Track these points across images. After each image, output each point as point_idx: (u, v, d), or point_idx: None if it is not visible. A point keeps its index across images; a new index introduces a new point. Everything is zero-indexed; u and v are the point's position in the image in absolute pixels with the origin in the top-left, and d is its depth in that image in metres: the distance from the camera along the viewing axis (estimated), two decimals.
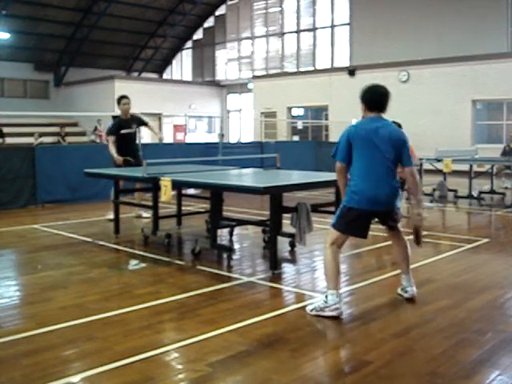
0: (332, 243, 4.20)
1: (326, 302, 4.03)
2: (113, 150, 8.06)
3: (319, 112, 23.08)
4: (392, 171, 4.23)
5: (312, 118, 23.22)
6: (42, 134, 17.50)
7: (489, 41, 18.78)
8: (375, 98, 4.28)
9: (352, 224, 4.16)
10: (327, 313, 3.99)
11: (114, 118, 8.68)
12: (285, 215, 5.76)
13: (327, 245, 4.22)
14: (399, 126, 8.75)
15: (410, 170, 4.33)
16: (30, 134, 16.70)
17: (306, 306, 4.17)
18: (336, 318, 3.97)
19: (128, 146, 8.22)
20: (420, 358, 3.32)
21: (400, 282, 4.50)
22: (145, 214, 8.35)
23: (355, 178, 4.16)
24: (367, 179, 4.12)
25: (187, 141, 23.61)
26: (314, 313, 4.03)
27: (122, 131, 8.23)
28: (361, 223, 4.19)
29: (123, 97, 8.46)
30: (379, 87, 4.33)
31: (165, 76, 31.13)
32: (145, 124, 8.70)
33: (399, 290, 4.50)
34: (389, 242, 6.73)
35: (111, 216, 7.94)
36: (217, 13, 28.90)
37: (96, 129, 21.34)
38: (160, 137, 9.53)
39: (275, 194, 5.27)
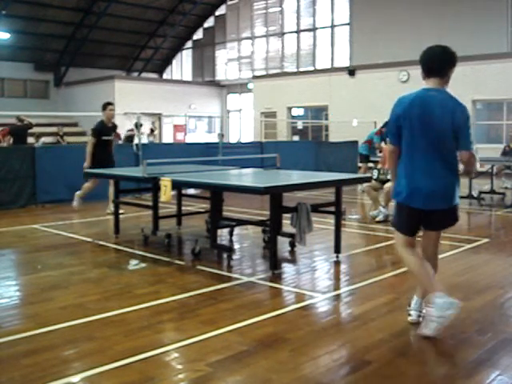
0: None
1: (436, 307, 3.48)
2: (89, 156, 8.42)
3: (319, 112, 23.09)
4: None
5: (312, 118, 23.23)
6: (41, 135, 17.47)
7: (489, 41, 18.79)
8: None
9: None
10: (450, 313, 3.46)
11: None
12: (285, 215, 5.76)
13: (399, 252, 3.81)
14: None
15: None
16: (30, 134, 16.68)
17: (420, 331, 3.58)
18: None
19: (105, 152, 8.55)
20: (420, 358, 3.32)
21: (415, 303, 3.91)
22: (109, 210, 8.56)
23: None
24: None
25: (187, 141, 23.63)
26: (440, 328, 3.47)
27: (104, 137, 8.54)
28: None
29: (110, 103, 8.85)
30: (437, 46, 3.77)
31: (165, 76, 31.13)
32: (115, 132, 9.23)
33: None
34: (389, 242, 6.74)
35: (111, 209, 8.05)
36: (217, 13, 28.91)
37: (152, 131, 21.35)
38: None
39: (275, 194, 5.27)
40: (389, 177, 8.26)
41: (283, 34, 26.31)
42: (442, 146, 3.55)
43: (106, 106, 8.74)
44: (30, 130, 14.15)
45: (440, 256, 6.04)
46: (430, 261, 3.80)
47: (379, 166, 8.87)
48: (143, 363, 3.22)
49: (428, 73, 3.65)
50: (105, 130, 8.63)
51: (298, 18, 25.66)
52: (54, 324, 3.82)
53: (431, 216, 3.66)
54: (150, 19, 27.27)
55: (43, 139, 17.75)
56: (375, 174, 8.50)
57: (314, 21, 25.09)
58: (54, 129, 21.91)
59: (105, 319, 3.96)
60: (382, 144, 12.07)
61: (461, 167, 3.69)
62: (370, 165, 11.34)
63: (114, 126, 8.97)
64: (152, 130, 21.42)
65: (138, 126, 12.23)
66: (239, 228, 7.34)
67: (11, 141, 13.74)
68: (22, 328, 3.79)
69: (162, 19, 27.69)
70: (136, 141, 11.73)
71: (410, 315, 3.87)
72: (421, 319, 3.77)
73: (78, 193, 8.82)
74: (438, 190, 3.58)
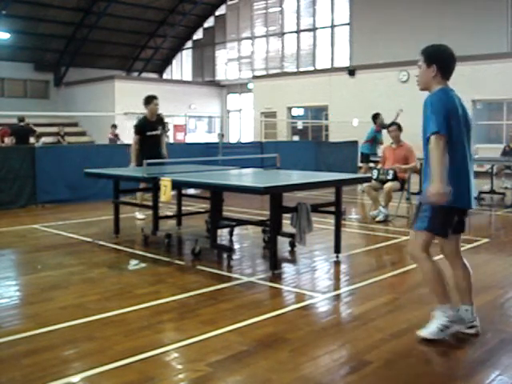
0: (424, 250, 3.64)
1: (447, 317, 3.51)
2: (133, 154, 7.95)
3: (319, 112, 23.08)
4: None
5: (312, 118, 23.23)
6: (41, 135, 17.48)
7: (489, 41, 18.78)
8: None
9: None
10: (455, 328, 3.54)
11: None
12: (285, 215, 5.76)
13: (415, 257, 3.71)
14: (399, 126, 8.79)
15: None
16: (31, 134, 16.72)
17: (419, 332, 3.57)
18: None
19: (152, 149, 7.93)
20: (420, 358, 3.32)
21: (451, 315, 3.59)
22: (139, 216, 8.25)
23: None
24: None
25: (187, 141, 23.62)
26: (439, 335, 3.50)
27: (148, 133, 8.01)
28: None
29: (154, 97, 8.15)
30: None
31: (165, 76, 31.13)
32: (164, 130, 8.44)
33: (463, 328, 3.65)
34: (389, 242, 6.75)
35: (142, 216, 7.94)
36: (217, 13, 28.90)
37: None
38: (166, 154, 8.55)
39: (275, 193, 5.27)
40: (389, 177, 8.28)
41: (283, 34, 26.31)
42: (469, 145, 3.57)
43: (151, 99, 8.09)
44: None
45: (440, 256, 6.05)
46: (459, 268, 3.81)
47: (379, 165, 8.87)
48: (143, 363, 3.22)
49: (449, 74, 3.56)
50: (148, 125, 8.08)
51: (298, 18, 25.66)
52: (54, 324, 3.82)
53: (465, 216, 3.71)
54: (149, 19, 27.27)
55: (43, 139, 17.75)
56: (375, 173, 8.50)
57: (314, 21, 25.09)
58: (54, 129, 21.92)
59: (105, 319, 3.96)
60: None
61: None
62: (371, 165, 11.32)
63: (160, 120, 8.31)
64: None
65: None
66: (239, 228, 7.34)
67: (13, 141, 13.75)
68: (22, 328, 3.79)
69: (162, 19, 27.69)
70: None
71: (471, 327, 3.63)
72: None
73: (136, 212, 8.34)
74: (473, 189, 3.59)
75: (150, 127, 8.09)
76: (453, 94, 3.53)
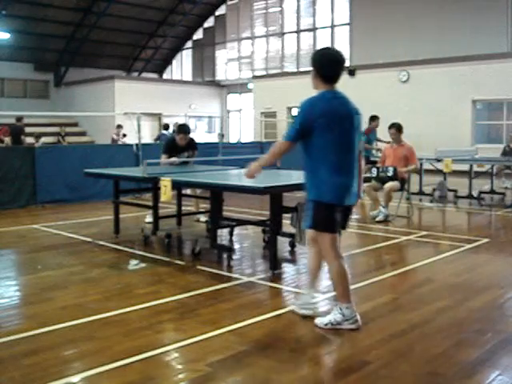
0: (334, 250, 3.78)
1: (343, 315, 3.76)
2: (167, 160, 7.58)
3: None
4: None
5: None
6: (40, 135, 17.50)
7: (489, 41, 18.77)
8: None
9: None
10: (346, 326, 3.75)
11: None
12: (285, 215, 5.76)
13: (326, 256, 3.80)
14: (399, 127, 8.78)
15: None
16: (31, 134, 16.71)
17: (315, 320, 3.87)
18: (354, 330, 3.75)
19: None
20: (420, 358, 3.32)
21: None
22: (202, 219, 8.01)
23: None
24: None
25: None
26: (329, 327, 3.76)
27: (174, 156, 7.67)
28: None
29: (180, 131, 7.78)
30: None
31: (165, 76, 31.12)
32: (193, 149, 7.98)
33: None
34: (388, 242, 6.75)
35: (150, 219, 7.83)
36: (217, 13, 28.89)
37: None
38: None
39: (275, 193, 5.27)
40: (389, 173, 8.28)
41: (283, 34, 26.30)
42: (353, 144, 3.81)
43: (178, 132, 7.77)
44: (29, 130, 14.22)
45: (440, 256, 6.07)
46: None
47: (378, 164, 8.87)
48: (143, 363, 3.22)
49: (330, 78, 3.68)
50: (177, 147, 7.72)
51: (298, 18, 25.65)
52: (54, 324, 3.82)
53: (349, 212, 4.02)
54: (149, 19, 27.26)
55: (43, 139, 17.76)
56: (374, 171, 8.49)
57: (314, 21, 25.08)
58: (54, 129, 21.92)
59: (105, 319, 3.96)
60: (379, 143, 12.05)
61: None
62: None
63: (190, 145, 7.90)
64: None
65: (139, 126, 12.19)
66: (239, 228, 7.34)
67: (10, 140, 13.81)
68: (22, 328, 3.80)
69: (162, 19, 27.68)
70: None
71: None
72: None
73: (197, 216, 8.07)
74: (355, 186, 3.88)
75: (177, 150, 7.75)
76: (331, 97, 3.65)
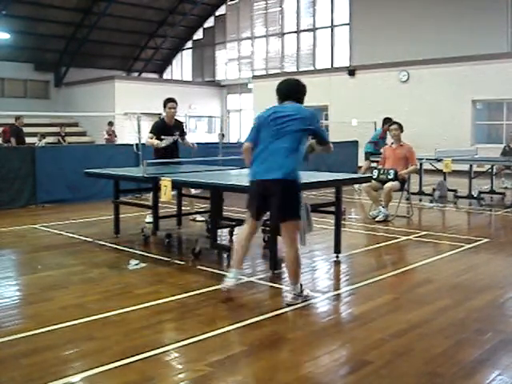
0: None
1: (304, 295, 4.36)
2: (151, 141, 7.64)
3: (319, 112, 23.07)
4: None
5: None
6: (44, 135, 17.53)
7: (489, 41, 18.77)
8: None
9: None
10: (308, 293, 4.40)
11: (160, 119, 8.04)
12: None
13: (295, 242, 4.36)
14: (400, 126, 8.78)
15: None
16: (31, 134, 16.72)
17: (286, 302, 4.34)
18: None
19: (167, 154, 7.60)
20: (420, 358, 3.32)
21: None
22: (199, 218, 8.01)
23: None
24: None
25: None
26: (301, 299, 4.30)
27: (163, 137, 7.72)
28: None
29: (169, 100, 7.83)
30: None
31: (165, 76, 31.11)
32: (182, 135, 8.09)
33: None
34: (389, 242, 6.75)
35: (150, 219, 7.82)
36: (217, 13, 28.88)
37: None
38: (193, 146, 8.37)
39: None
40: (390, 176, 8.28)
41: (283, 34, 26.30)
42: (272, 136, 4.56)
43: (166, 103, 7.78)
44: (29, 130, 14.23)
45: (440, 256, 6.07)
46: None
47: (379, 166, 8.87)
48: (143, 363, 3.22)
49: (279, 97, 4.65)
50: (165, 128, 7.76)
51: (298, 18, 25.65)
52: (54, 324, 3.82)
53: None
54: (149, 19, 27.25)
55: (45, 139, 17.77)
56: (375, 173, 8.50)
57: (314, 21, 25.07)
58: (54, 129, 21.90)
59: (105, 319, 3.96)
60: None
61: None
62: (373, 164, 11.29)
63: (178, 125, 7.98)
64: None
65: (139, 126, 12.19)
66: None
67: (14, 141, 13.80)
68: (22, 328, 3.79)
69: (162, 19, 27.67)
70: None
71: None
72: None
73: (193, 215, 8.08)
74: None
75: (166, 131, 7.78)
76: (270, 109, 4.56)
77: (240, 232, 4.57)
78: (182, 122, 8.16)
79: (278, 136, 4.32)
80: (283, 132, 4.31)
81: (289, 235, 4.30)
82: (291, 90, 4.56)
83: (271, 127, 4.38)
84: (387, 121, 11.53)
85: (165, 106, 7.81)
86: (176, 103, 7.85)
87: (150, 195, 7.92)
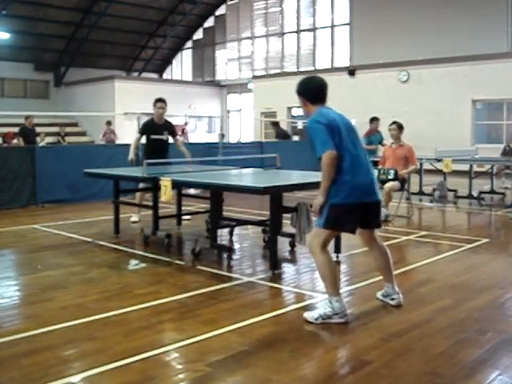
0: (323, 245, 3.95)
1: (332, 308, 3.86)
2: (132, 147, 7.94)
3: None
4: None
5: None
6: (46, 135, 17.55)
7: (489, 41, 18.77)
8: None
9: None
10: (336, 320, 3.84)
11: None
12: (285, 215, 5.76)
13: (319, 249, 3.93)
14: (399, 126, 8.78)
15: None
16: (37, 134, 16.76)
17: (303, 313, 3.97)
18: (343, 324, 3.85)
19: (157, 154, 7.54)
20: (420, 358, 3.32)
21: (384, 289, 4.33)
22: (133, 218, 7.98)
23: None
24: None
25: (187, 141, 23.54)
26: (319, 321, 3.83)
27: (153, 136, 7.82)
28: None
29: (159, 100, 7.98)
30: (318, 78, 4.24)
31: (165, 76, 31.12)
32: (173, 135, 8.18)
33: (380, 296, 4.34)
34: (388, 242, 6.74)
35: (136, 218, 7.89)
36: (217, 13, 28.89)
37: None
38: (188, 155, 8.11)
39: (275, 193, 5.27)
40: (390, 176, 8.28)
41: (283, 34, 26.30)
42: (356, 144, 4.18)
43: (156, 102, 7.94)
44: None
45: (440, 256, 6.07)
46: (374, 249, 4.28)
47: (379, 166, 8.86)
48: (143, 363, 3.22)
49: (317, 98, 4.12)
50: (154, 128, 7.86)
51: (298, 18, 25.65)
52: (54, 324, 3.82)
53: (370, 210, 4.14)
54: (150, 19, 27.26)
55: (46, 139, 17.79)
56: (375, 173, 8.49)
57: (314, 21, 25.08)
58: (54, 129, 21.90)
59: (105, 319, 3.96)
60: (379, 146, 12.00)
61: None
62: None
63: (167, 126, 8.05)
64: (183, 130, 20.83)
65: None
66: (239, 228, 7.33)
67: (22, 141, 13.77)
68: (22, 328, 3.79)
69: (162, 19, 27.68)
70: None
71: (392, 299, 4.27)
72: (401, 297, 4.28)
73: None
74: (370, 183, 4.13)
75: (155, 130, 7.86)
76: (328, 110, 4.07)
77: (323, 257, 3.91)
78: (171, 123, 8.28)
79: (358, 145, 4.08)
80: (359, 141, 4.12)
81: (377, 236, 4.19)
82: (326, 92, 4.17)
83: (351, 134, 4.06)
84: (373, 120, 11.52)
85: (154, 106, 8.00)
86: (165, 103, 8.02)
87: (137, 195, 8.01)
